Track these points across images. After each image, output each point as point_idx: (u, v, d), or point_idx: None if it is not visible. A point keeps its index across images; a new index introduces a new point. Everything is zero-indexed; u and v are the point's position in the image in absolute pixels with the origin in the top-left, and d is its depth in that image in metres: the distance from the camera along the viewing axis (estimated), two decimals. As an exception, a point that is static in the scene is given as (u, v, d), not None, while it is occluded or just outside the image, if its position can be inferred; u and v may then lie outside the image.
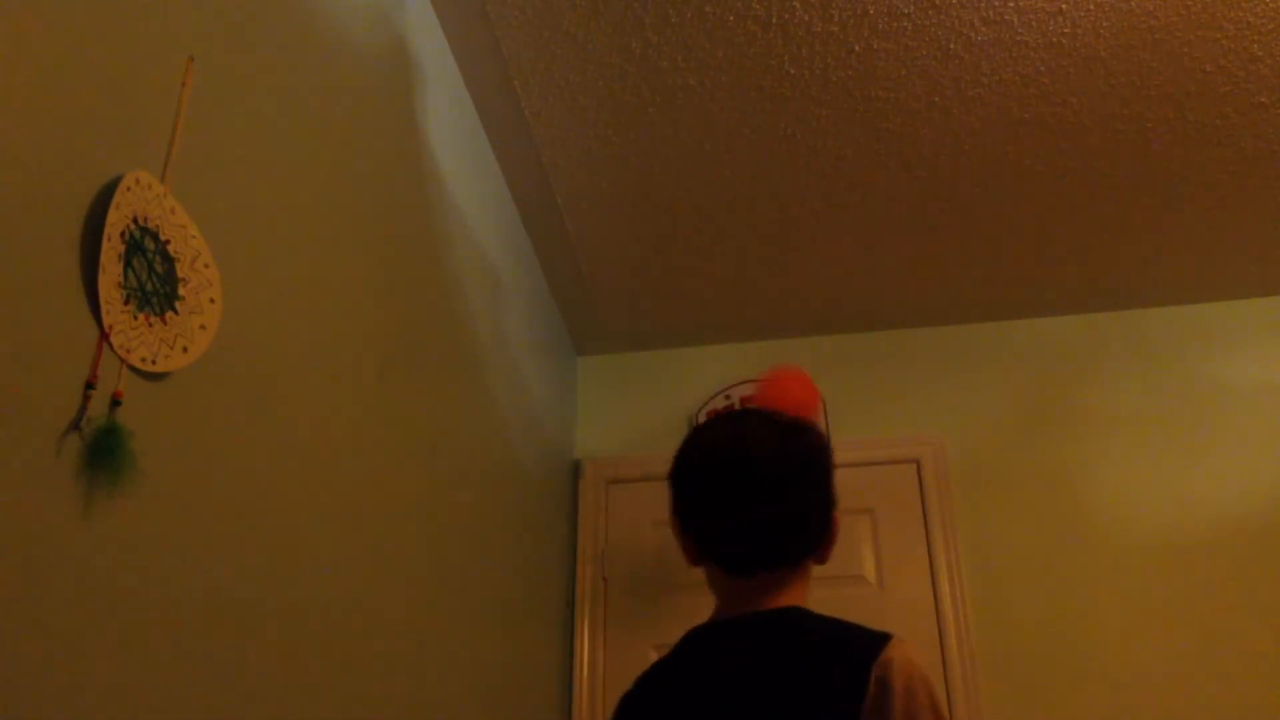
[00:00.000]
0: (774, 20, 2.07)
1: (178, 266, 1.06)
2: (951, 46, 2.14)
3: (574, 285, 3.03)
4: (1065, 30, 2.10)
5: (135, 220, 1.00)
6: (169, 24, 1.11)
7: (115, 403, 0.95)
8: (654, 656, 2.94)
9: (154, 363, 1.01)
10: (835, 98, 2.28)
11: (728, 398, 3.23)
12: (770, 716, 1.06)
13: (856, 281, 3.02)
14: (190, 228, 1.10)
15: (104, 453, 0.93)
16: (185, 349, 1.06)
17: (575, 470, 3.18)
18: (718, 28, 2.09)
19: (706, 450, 1.23)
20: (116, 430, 0.94)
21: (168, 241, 1.05)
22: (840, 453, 3.03)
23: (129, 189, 0.99)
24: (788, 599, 1.16)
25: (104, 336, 0.94)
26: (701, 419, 3.20)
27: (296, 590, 1.32)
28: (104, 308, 0.94)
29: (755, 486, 1.16)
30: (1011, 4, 2.04)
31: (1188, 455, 2.93)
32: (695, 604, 2.96)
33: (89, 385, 0.92)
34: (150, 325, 1.01)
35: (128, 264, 0.99)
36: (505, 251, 2.51)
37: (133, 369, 0.99)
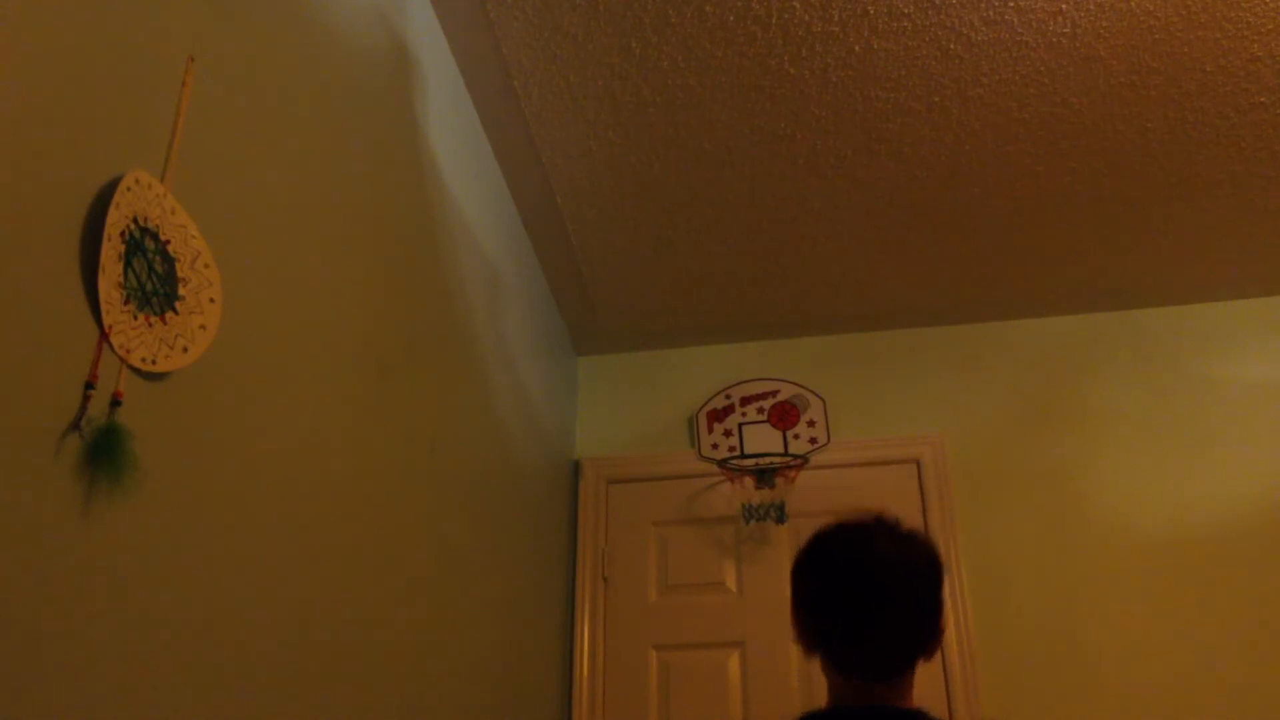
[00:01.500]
0: (774, 20, 2.07)
1: (178, 266, 1.06)
2: (951, 46, 2.14)
3: (574, 285, 3.03)
4: (1065, 30, 2.10)
5: (135, 220, 1.00)
6: (169, 24, 1.11)
7: (115, 403, 0.95)
8: (653, 656, 2.96)
9: (154, 363, 1.01)
10: (835, 98, 2.28)
11: (728, 398, 3.23)
12: None
13: (856, 281, 3.02)
14: (190, 228, 1.10)
15: (104, 453, 0.93)
16: (185, 349, 1.06)
17: (575, 470, 3.18)
18: (718, 28, 2.09)
19: (830, 552, 1.29)
20: (116, 430, 0.94)
21: (168, 241, 1.05)
22: (840, 453, 3.08)
23: (129, 189, 0.99)
24: (904, 698, 1.21)
25: (104, 336, 0.94)
26: (702, 419, 3.20)
27: (296, 590, 1.32)
28: (104, 308, 0.94)
29: (874, 597, 1.23)
30: (1011, 4, 2.04)
31: (1187, 455, 2.93)
32: (695, 604, 2.98)
33: (89, 385, 0.92)
34: (150, 325, 1.01)
35: (128, 264, 0.99)
36: (505, 251, 2.52)
37: (133, 369, 0.99)
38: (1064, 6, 2.04)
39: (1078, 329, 3.18)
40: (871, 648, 1.21)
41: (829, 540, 1.28)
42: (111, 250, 0.96)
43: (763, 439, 3.13)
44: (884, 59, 2.17)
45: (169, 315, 1.04)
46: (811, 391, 3.18)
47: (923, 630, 1.22)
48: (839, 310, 3.18)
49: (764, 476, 3.01)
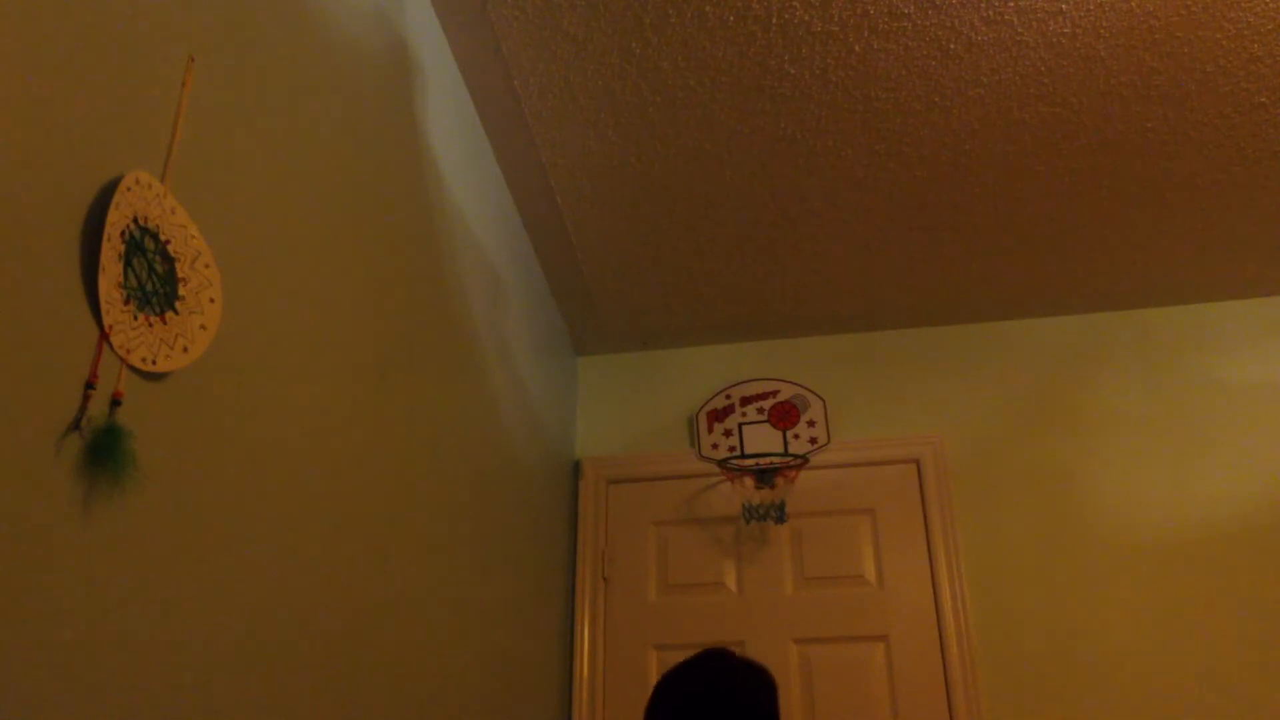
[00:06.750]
0: (774, 20, 2.07)
1: (178, 266, 1.06)
2: (951, 46, 2.14)
3: (574, 285, 3.03)
4: (1065, 30, 2.10)
5: (135, 220, 1.00)
6: (169, 24, 1.11)
7: (115, 403, 0.95)
8: (654, 656, 2.96)
9: (154, 363, 1.01)
10: (835, 98, 2.28)
11: (728, 398, 3.23)
12: None
13: (856, 281, 3.02)
14: (190, 228, 1.10)
15: (104, 453, 0.93)
16: (185, 349, 1.06)
17: (575, 470, 3.18)
18: (718, 28, 2.09)
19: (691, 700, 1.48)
20: (116, 430, 0.94)
21: (168, 241, 1.05)
22: (840, 453, 3.08)
23: (129, 189, 0.99)
24: None
25: (104, 336, 0.94)
26: (702, 419, 3.20)
27: (295, 590, 1.32)
28: (104, 308, 0.94)
29: None
30: (1011, 4, 2.04)
31: (1187, 455, 2.93)
32: (694, 604, 2.98)
33: (89, 385, 0.92)
34: (150, 325, 1.01)
35: (128, 264, 0.99)
36: (505, 251, 2.52)
37: (133, 369, 0.99)
38: (1064, 6, 2.04)
39: (1078, 329, 3.18)
40: None
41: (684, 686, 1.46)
42: (111, 250, 0.96)
43: (763, 439, 3.13)
44: (884, 59, 2.17)
45: (169, 315, 1.04)
46: (811, 391, 3.18)
47: None
48: (839, 310, 3.18)
49: (764, 476, 3.01)
